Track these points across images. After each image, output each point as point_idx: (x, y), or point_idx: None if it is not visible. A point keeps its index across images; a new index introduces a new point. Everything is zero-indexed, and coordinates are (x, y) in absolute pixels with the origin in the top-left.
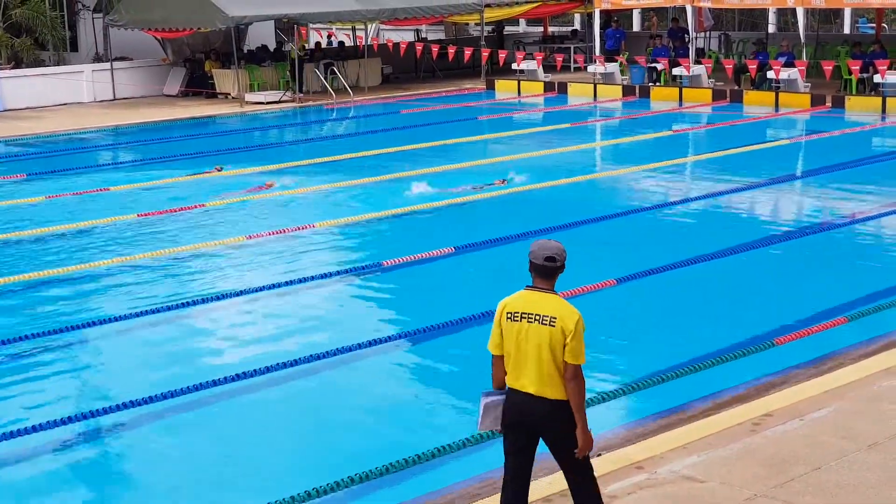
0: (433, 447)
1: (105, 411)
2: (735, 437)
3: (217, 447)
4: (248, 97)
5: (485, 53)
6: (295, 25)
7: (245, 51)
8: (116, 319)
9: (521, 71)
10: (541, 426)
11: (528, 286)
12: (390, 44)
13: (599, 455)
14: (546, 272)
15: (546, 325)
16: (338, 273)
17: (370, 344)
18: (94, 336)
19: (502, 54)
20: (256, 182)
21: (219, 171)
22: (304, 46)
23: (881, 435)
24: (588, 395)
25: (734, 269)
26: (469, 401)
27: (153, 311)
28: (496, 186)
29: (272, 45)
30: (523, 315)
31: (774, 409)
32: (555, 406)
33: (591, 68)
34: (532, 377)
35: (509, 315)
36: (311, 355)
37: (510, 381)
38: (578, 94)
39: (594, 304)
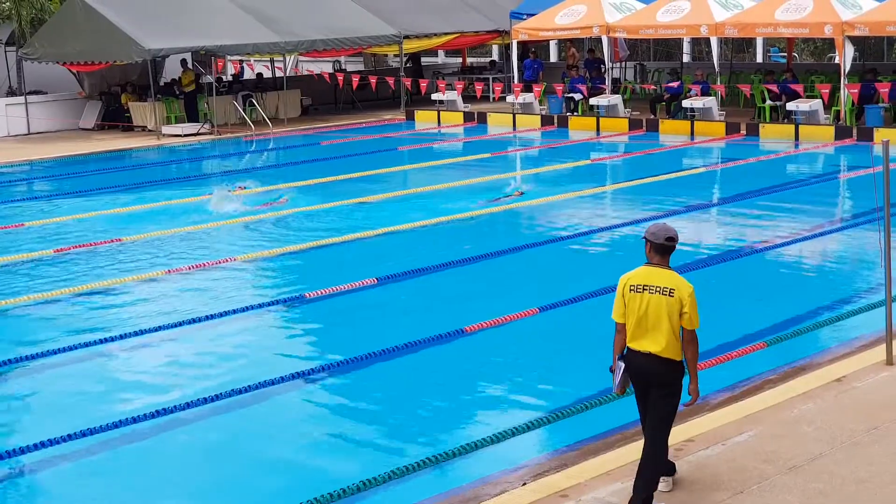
0: (357, 481)
1: (18, 452)
2: None
3: (132, 486)
4: (165, 130)
5: (407, 83)
6: (212, 57)
7: (162, 83)
8: (30, 358)
9: (441, 101)
10: (653, 380)
11: (646, 263)
12: (314, 74)
13: (524, 484)
14: (664, 250)
15: (666, 295)
16: (259, 306)
17: (292, 377)
18: (5, 374)
19: (423, 83)
20: (178, 212)
21: (242, 189)
22: (193, 80)
23: (801, 458)
24: (512, 425)
25: None
26: (389, 437)
27: (66, 349)
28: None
29: None
30: (645, 287)
31: (696, 434)
32: (668, 365)
33: (509, 98)
34: (652, 339)
35: (632, 287)
36: (231, 391)
37: (632, 344)
38: (498, 124)
39: (516, 333)
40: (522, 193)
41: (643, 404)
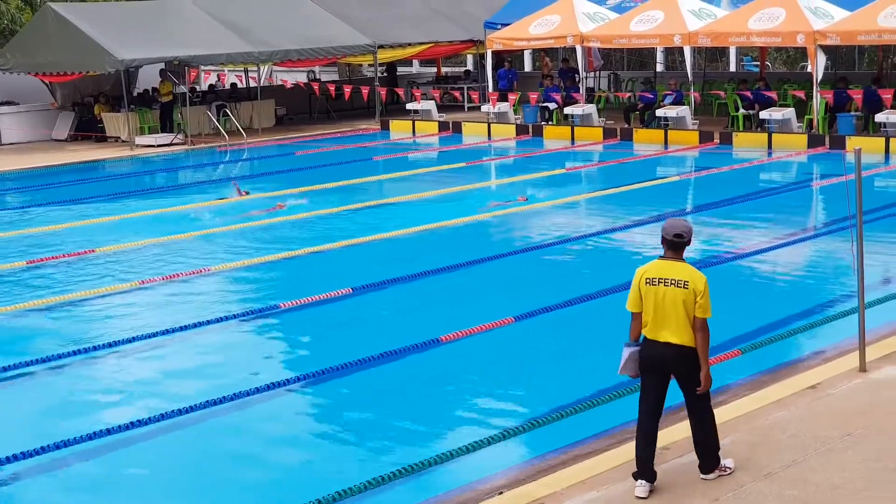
0: (333, 491)
1: None
2: None
3: (107, 498)
4: (139, 140)
5: (382, 92)
6: (186, 68)
7: (135, 94)
8: (2, 370)
9: (416, 111)
10: (674, 368)
11: (660, 256)
12: (288, 84)
13: (500, 493)
14: (675, 246)
15: (680, 287)
16: (233, 317)
17: (267, 388)
18: None
19: (399, 91)
20: (151, 224)
21: (246, 194)
22: (171, 90)
23: (776, 465)
24: (488, 434)
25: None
26: (365, 447)
27: (39, 361)
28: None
29: None
30: (660, 280)
31: (671, 441)
32: (685, 353)
33: (484, 108)
34: (671, 330)
35: (648, 280)
36: (206, 402)
37: (649, 334)
38: (473, 134)
39: (492, 343)
40: (526, 199)
41: (653, 392)
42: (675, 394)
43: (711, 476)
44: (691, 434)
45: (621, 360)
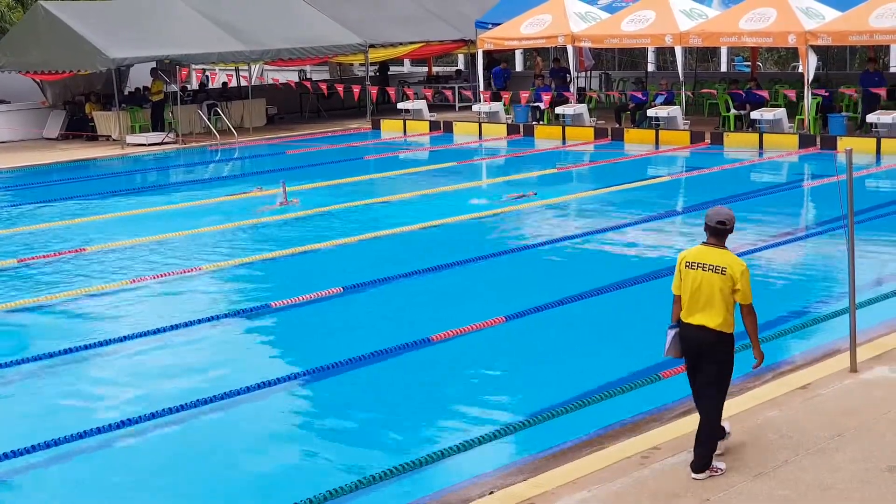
0: (323, 490)
1: None
2: (624, 471)
3: (99, 497)
4: (130, 139)
5: (373, 92)
6: (176, 66)
7: (126, 92)
8: None
9: (407, 111)
10: (705, 350)
11: (703, 242)
12: (279, 84)
13: (491, 493)
14: (717, 233)
15: (718, 272)
16: (224, 315)
17: (257, 387)
18: None
19: (390, 90)
20: (144, 223)
21: (260, 190)
22: (162, 89)
23: (766, 465)
24: (478, 434)
25: (620, 304)
26: (356, 446)
27: (28, 360)
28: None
29: None
30: (699, 264)
31: (662, 441)
32: (720, 337)
33: (475, 107)
34: (705, 313)
35: (688, 264)
36: (196, 401)
37: (684, 317)
38: (464, 133)
39: (483, 342)
40: (535, 194)
41: (693, 376)
42: (667, 391)
43: (702, 476)
44: (699, 416)
45: (666, 343)
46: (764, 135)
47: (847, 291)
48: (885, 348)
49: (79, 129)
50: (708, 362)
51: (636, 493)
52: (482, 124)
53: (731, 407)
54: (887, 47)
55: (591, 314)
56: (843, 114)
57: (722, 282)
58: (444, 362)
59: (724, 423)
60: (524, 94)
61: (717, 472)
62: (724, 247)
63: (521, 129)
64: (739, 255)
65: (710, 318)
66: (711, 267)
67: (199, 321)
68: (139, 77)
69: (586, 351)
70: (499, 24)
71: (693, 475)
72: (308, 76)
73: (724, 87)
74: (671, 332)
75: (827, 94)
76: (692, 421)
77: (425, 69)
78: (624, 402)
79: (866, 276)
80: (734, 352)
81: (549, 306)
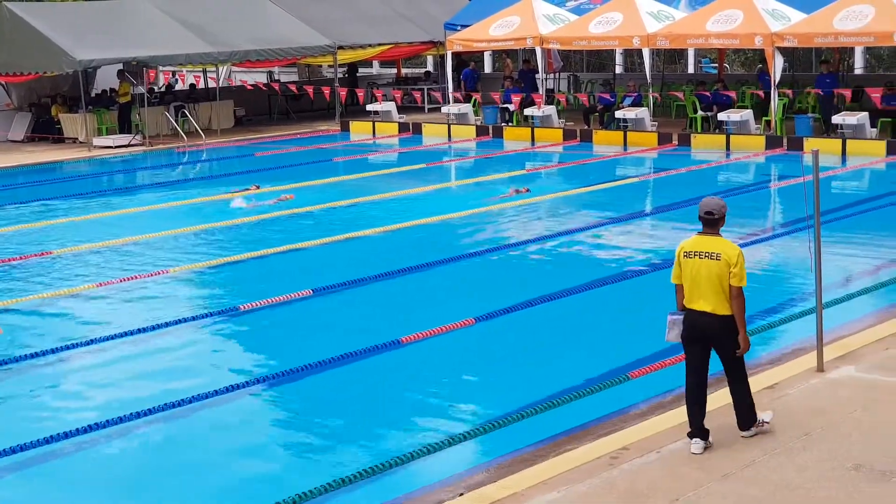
0: (293, 493)
1: None
2: (594, 472)
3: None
4: (96, 141)
5: (342, 93)
6: (144, 68)
7: (93, 94)
8: None
9: (376, 112)
10: (711, 336)
11: (698, 232)
12: (247, 85)
13: (461, 495)
14: (708, 222)
15: (714, 259)
16: (193, 318)
17: (226, 390)
18: None
19: (359, 92)
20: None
21: (257, 188)
22: (129, 91)
23: (734, 465)
24: (447, 435)
25: (588, 305)
26: (324, 448)
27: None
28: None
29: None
30: (696, 253)
31: (631, 442)
32: (721, 320)
33: (444, 109)
34: (706, 299)
35: (685, 254)
36: (164, 404)
37: (687, 304)
38: (433, 135)
39: (452, 344)
40: (528, 190)
41: (694, 360)
42: (636, 392)
43: (749, 433)
44: (731, 397)
45: (667, 328)
46: (731, 136)
47: (814, 291)
48: (850, 348)
49: (45, 131)
50: (720, 348)
51: (605, 493)
52: (451, 126)
53: None
54: (852, 49)
55: (560, 315)
56: (809, 115)
57: (718, 267)
58: (414, 364)
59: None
60: (496, 96)
61: (762, 426)
62: (718, 234)
63: (490, 131)
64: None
65: (711, 303)
66: (707, 254)
67: (167, 324)
68: (106, 79)
69: (555, 352)
70: (467, 26)
71: (742, 434)
72: (276, 78)
73: (692, 88)
74: (671, 318)
75: (794, 94)
76: (663, 420)
77: (394, 71)
78: (593, 403)
79: (832, 277)
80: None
81: (517, 308)
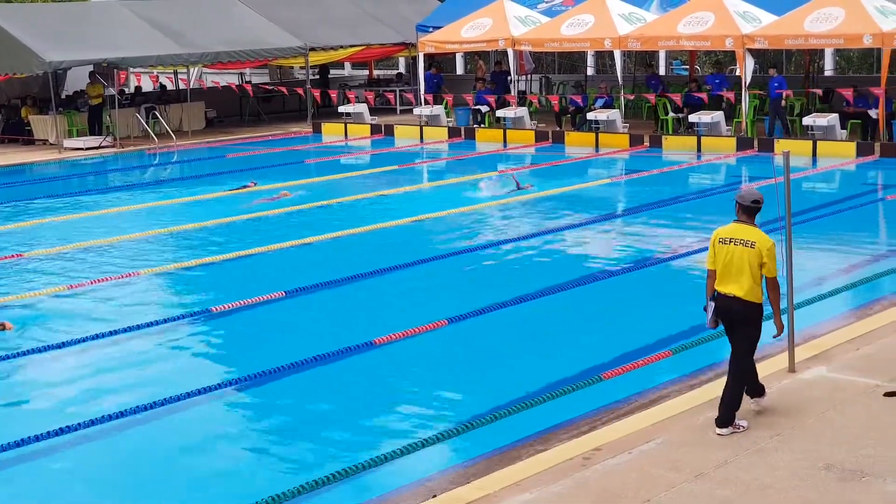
0: (266, 496)
1: None
2: (566, 473)
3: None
4: (67, 143)
5: (315, 95)
6: (114, 70)
7: (63, 96)
8: None
9: (348, 114)
10: (736, 319)
11: (734, 220)
12: (218, 86)
13: (433, 496)
14: (750, 211)
15: (748, 247)
16: (165, 321)
17: (198, 393)
18: None
19: (332, 93)
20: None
21: (254, 185)
22: (101, 93)
23: (707, 465)
24: (421, 437)
25: (560, 307)
26: (297, 451)
27: None
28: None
29: None
30: (731, 240)
31: (604, 443)
32: (747, 306)
33: (416, 111)
34: (737, 285)
35: (721, 240)
36: (136, 407)
37: (719, 288)
38: (405, 137)
39: (425, 345)
40: (532, 186)
41: (730, 337)
42: (609, 393)
43: (725, 431)
44: (722, 390)
45: (708, 314)
46: (702, 137)
47: (785, 292)
48: (822, 348)
49: (15, 133)
50: (738, 328)
51: (579, 494)
52: (423, 128)
53: (673, 407)
54: (822, 51)
55: (532, 317)
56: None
57: (751, 255)
58: (386, 366)
59: (762, 383)
60: (469, 98)
61: (739, 428)
62: (754, 224)
63: (463, 133)
64: (678, 256)
65: (740, 288)
66: (742, 241)
67: (138, 326)
68: (76, 80)
69: (528, 353)
70: (439, 28)
71: (717, 430)
72: (248, 79)
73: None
74: (711, 305)
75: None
76: (635, 421)
77: (366, 72)
78: (565, 404)
79: (804, 277)
80: (762, 320)
81: (490, 309)
